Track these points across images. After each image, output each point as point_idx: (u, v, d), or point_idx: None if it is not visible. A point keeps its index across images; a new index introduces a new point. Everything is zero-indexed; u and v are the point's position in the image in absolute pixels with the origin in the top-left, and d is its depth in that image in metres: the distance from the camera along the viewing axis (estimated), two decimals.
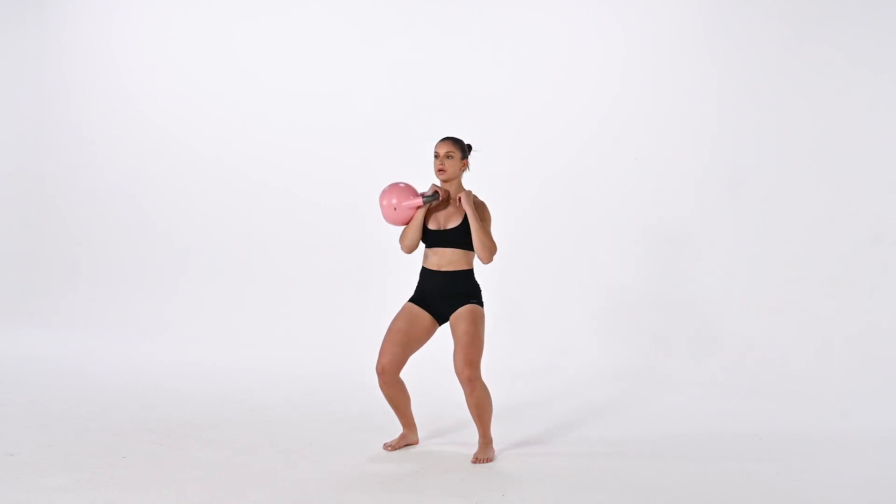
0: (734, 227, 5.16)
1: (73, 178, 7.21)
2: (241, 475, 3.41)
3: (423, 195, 3.65)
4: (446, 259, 3.67)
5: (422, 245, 3.75)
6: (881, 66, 4.80)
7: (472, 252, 3.69)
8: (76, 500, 3.11)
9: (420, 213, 3.68)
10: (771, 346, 4.99)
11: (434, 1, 5.97)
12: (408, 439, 3.83)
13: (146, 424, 4.10)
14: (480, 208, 3.68)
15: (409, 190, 3.70)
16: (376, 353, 3.71)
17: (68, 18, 7.24)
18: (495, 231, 3.73)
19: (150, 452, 3.68)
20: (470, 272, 3.71)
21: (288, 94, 6.39)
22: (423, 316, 3.70)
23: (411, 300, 3.74)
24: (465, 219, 3.65)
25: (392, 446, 3.79)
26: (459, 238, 3.65)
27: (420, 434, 3.92)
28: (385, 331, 3.71)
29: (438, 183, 3.73)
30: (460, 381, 3.58)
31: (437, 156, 3.69)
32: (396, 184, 3.73)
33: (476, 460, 3.63)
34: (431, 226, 3.70)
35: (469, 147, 3.76)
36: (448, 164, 3.67)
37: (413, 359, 3.78)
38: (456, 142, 3.71)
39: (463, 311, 3.63)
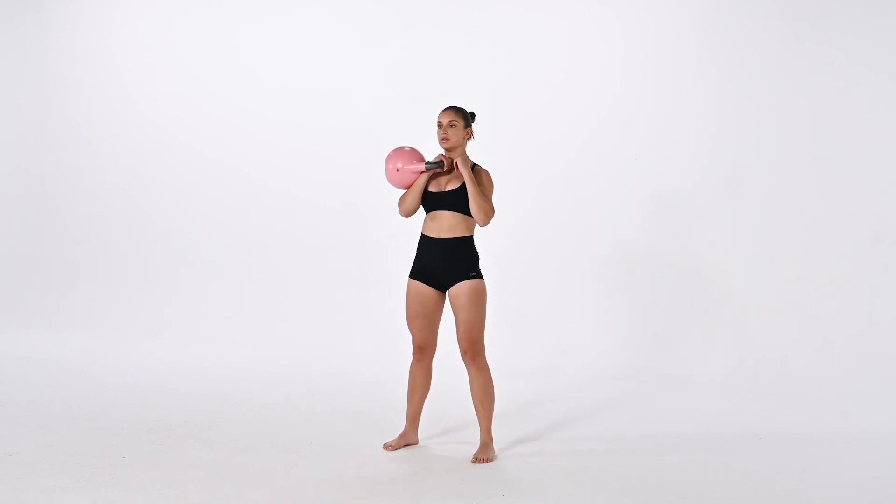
0: (734, 227, 5.15)
1: (73, 178, 7.21)
2: (241, 475, 3.42)
3: (427, 162, 3.68)
4: (445, 224, 3.67)
5: (422, 211, 3.76)
6: (881, 66, 4.80)
7: (471, 218, 3.68)
8: (76, 500, 3.11)
9: (422, 179, 3.70)
10: (771, 346, 4.99)
11: (434, 1, 5.96)
12: (407, 439, 3.84)
13: (146, 424, 4.10)
14: (481, 174, 3.69)
15: (415, 154, 3.73)
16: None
17: (68, 18, 7.24)
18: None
19: (150, 452, 3.68)
20: (469, 239, 3.70)
21: (288, 94, 6.39)
22: (428, 292, 3.72)
23: (411, 275, 3.75)
24: (464, 182, 3.66)
25: (392, 446, 3.79)
26: (457, 200, 3.65)
27: (420, 434, 3.92)
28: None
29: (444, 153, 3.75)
30: (464, 361, 3.62)
31: (440, 125, 3.70)
32: (402, 147, 3.76)
33: (476, 460, 3.63)
34: (432, 188, 3.71)
35: (472, 115, 3.77)
36: (451, 132, 3.68)
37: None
38: (458, 110, 3.71)
39: (463, 289, 3.64)
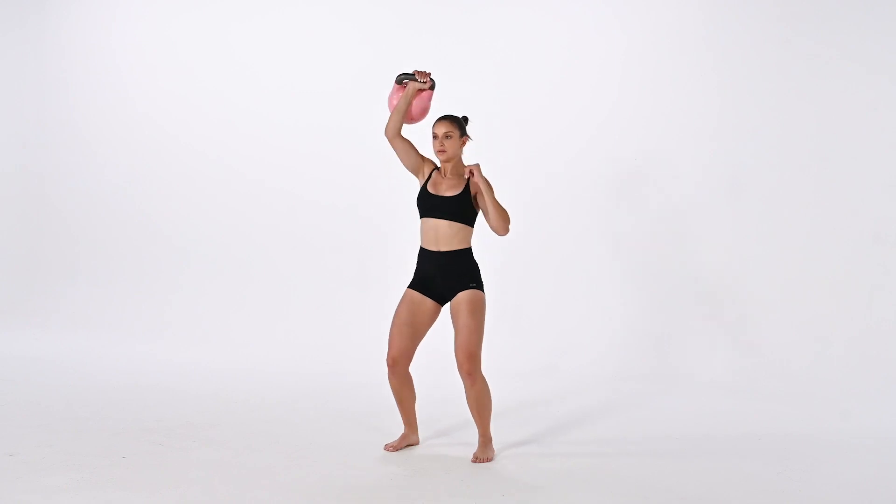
0: (734, 227, 5.15)
1: (73, 177, 7.20)
2: (241, 475, 3.41)
3: (399, 74, 3.81)
4: (442, 234, 3.63)
5: (419, 222, 3.72)
6: (881, 66, 4.80)
7: (467, 227, 3.65)
8: (76, 500, 3.11)
9: (404, 99, 3.74)
10: (771, 347, 4.99)
11: (434, 2, 5.96)
12: (409, 440, 3.83)
13: (146, 424, 4.10)
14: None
15: (400, 90, 3.85)
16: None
17: (68, 18, 7.23)
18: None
19: (150, 452, 3.68)
20: (468, 251, 3.68)
21: (288, 94, 6.39)
22: (425, 303, 3.69)
23: (411, 286, 3.72)
24: (464, 191, 3.62)
25: (393, 447, 3.78)
26: (454, 209, 3.61)
27: (420, 434, 3.92)
28: (389, 324, 3.71)
29: (438, 164, 3.74)
30: (460, 374, 3.59)
31: (435, 136, 3.67)
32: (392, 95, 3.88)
33: (476, 460, 3.63)
34: (430, 189, 3.68)
35: (465, 119, 3.76)
36: (448, 144, 3.66)
37: (413, 360, 3.78)
38: (453, 120, 3.69)
39: (463, 300, 3.61)
